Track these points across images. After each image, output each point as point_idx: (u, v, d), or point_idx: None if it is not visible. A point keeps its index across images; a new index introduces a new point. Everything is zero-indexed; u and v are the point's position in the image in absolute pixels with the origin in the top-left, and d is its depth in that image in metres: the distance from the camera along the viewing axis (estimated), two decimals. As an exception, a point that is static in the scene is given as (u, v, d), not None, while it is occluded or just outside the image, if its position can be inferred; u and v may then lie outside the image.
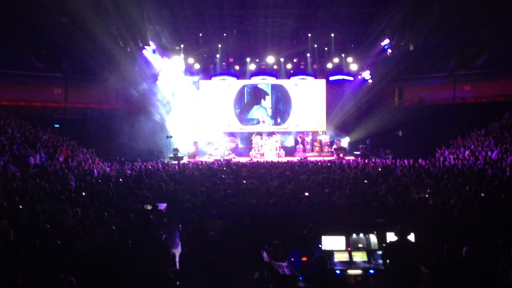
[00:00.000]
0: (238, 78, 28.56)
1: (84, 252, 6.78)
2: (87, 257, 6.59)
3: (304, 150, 27.09)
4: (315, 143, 27.20)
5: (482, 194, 10.13)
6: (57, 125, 23.87)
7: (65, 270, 5.47)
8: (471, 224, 7.84)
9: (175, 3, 22.66)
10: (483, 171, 14.78)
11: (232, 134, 28.61)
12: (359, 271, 6.32)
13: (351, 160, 22.14)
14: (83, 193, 11.39)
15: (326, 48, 27.43)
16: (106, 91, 27.31)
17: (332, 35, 26.10)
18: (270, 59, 27.80)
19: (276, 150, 26.39)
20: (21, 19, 25.00)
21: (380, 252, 6.42)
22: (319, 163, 18.93)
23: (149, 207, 10.03)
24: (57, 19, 23.64)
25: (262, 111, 28.99)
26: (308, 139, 27.58)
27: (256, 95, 29.08)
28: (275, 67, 28.28)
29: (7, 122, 20.27)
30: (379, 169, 16.44)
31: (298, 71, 28.63)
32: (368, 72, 27.31)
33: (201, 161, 22.26)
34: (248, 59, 27.95)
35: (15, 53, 25.67)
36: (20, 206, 9.26)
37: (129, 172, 17.26)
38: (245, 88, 28.94)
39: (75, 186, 13.09)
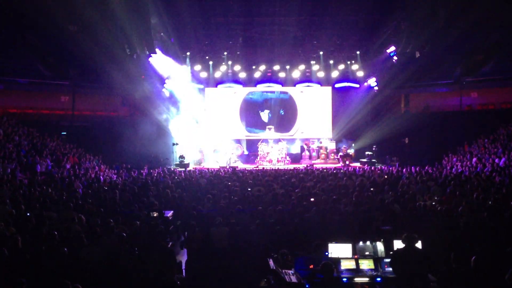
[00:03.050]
0: (244, 86, 28.63)
1: (91, 259, 6.79)
2: (93, 264, 6.60)
3: (310, 157, 27.01)
4: (321, 150, 27.09)
5: (490, 202, 10.06)
6: (64, 133, 24.00)
7: (71, 277, 5.49)
8: (479, 232, 7.79)
9: (182, 11, 22.75)
10: (491, 179, 14.69)
11: (238, 141, 28.62)
12: (365, 279, 6.30)
13: (357, 167, 22.06)
14: (90, 200, 11.43)
15: (331, 56, 27.46)
16: (112, 98, 27.52)
17: (338, 42, 26.11)
18: (276, 67, 27.87)
19: (282, 157, 26.33)
20: (29, 27, 25.25)
21: (387, 260, 6.39)
22: (325, 170, 18.88)
23: (155, 215, 10.04)
24: (64, 27, 23.83)
25: (267, 118, 29.04)
26: (314, 146, 27.50)
27: (262, 101, 29.18)
28: (281, 74, 28.32)
29: (14, 130, 20.43)
30: (385, 176, 16.37)
31: (303, 79, 28.66)
32: (374, 79, 27.29)
33: (207, 168, 22.29)
34: (254, 67, 28.01)
35: (23, 60, 25.94)
36: (28, 213, 9.31)
37: (136, 177, 17.31)
38: (251, 95, 29.05)
39: (82, 193, 13.16)
